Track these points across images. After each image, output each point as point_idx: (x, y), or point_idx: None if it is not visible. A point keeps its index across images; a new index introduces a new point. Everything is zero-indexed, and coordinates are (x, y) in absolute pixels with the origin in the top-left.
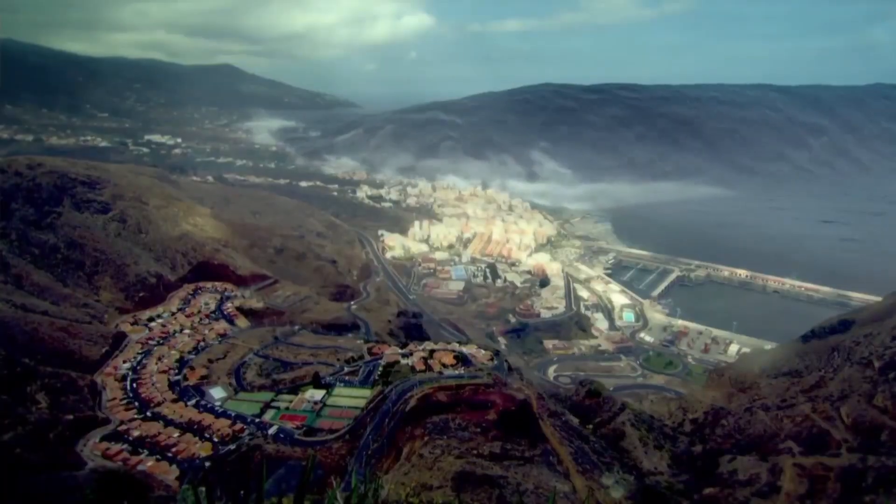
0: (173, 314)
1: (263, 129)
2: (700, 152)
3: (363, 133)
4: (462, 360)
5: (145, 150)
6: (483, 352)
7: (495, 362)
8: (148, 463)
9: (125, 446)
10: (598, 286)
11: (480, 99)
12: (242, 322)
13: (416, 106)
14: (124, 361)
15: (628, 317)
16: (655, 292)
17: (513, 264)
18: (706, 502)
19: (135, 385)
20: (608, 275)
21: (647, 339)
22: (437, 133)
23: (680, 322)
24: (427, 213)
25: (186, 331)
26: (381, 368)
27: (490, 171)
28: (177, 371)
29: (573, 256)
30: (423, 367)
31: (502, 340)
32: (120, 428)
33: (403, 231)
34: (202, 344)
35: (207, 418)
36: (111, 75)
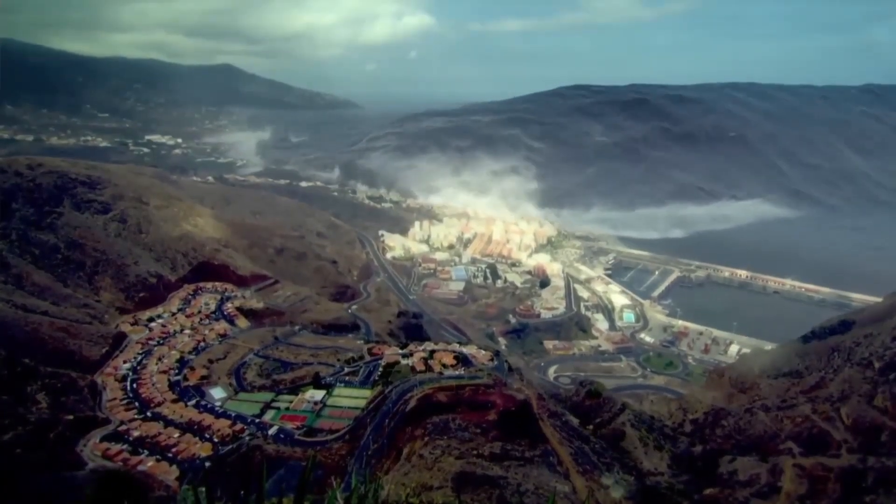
0: (173, 314)
1: (249, 144)
2: (752, 163)
3: (367, 150)
4: (462, 360)
5: (145, 150)
6: (483, 352)
7: (495, 363)
8: (148, 463)
9: (125, 446)
10: (599, 287)
11: (500, 105)
12: (243, 322)
13: (427, 111)
14: (124, 362)
15: (628, 317)
16: (656, 293)
17: (513, 265)
18: (706, 503)
19: (135, 385)
20: (608, 275)
21: (648, 339)
22: (450, 143)
23: (680, 322)
24: (427, 213)
25: (187, 331)
26: (381, 369)
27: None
28: (177, 371)
29: (573, 257)
30: (424, 368)
31: (502, 341)
32: (120, 428)
33: (404, 231)
34: (202, 344)
35: (207, 418)
36: (111, 75)
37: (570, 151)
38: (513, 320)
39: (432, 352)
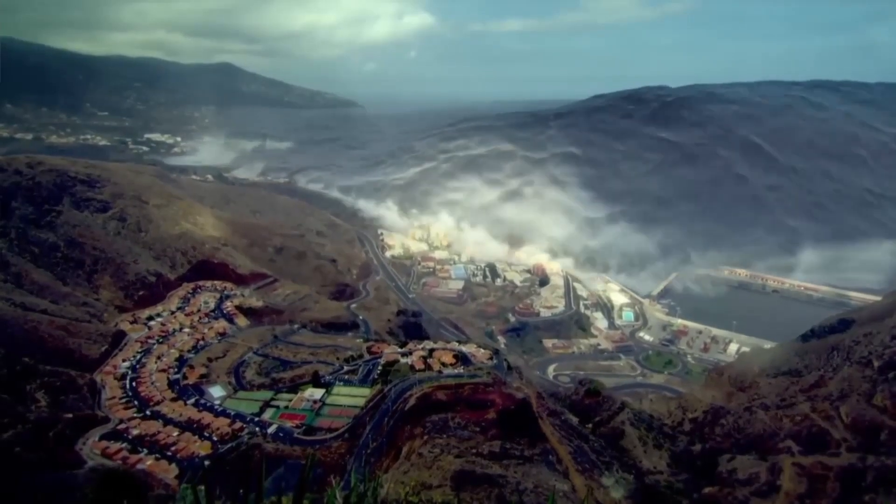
0: (173, 313)
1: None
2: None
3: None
4: (461, 359)
5: (145, 148)
6: (482, 351)
7: (495, 361)
8: (147, 462)
9: (124, 445)
10: (598, 285)
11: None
12: (242, 321)
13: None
14: (124, 360)
15: (628, 316)
16: (655, 291)
17: (512, 263)
18: (705, 501)
19: (134, 384)
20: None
21: (647, 338)
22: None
23: (679, 321)
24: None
25: (186, 329)
26: (380, 367)
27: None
28: (176, 370)
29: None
30: (423, 366)
31: (502, 339)
32: (119, 427)
33: (403, 230)
34: (202, 343)
35: (207, 417)
36: (111, 74)
37: (653, 176)
38: (512, 319)
39: (431, 350)
